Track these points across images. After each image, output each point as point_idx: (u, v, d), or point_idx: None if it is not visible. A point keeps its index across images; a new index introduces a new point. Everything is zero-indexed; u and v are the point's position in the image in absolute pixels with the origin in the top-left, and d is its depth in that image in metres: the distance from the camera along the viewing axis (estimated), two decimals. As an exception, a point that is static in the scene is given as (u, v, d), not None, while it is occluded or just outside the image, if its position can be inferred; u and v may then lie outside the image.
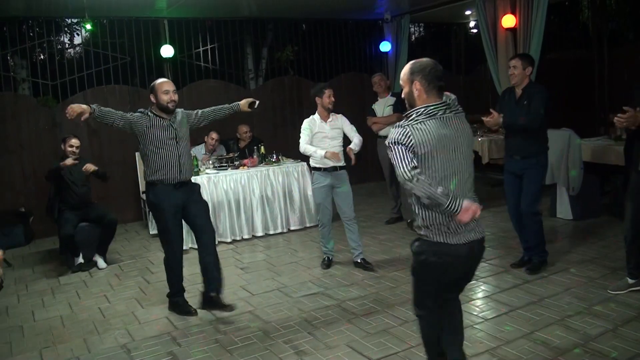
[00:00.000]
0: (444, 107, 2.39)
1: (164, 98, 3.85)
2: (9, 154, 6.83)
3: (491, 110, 4.33)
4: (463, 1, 7.41)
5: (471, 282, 4.31)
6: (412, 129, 2.32)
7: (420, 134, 2.30)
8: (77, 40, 8.98)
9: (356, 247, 4.99)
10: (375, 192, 8.42)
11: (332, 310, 4.04)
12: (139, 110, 3.96)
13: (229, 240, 6.15)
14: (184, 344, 3.64)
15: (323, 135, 4.84)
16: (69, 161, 5.27)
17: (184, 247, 4.16)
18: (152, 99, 3.92)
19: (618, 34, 9.77)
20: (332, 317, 3.91)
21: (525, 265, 4.61)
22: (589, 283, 4.22)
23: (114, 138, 7.12)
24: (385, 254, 5.33)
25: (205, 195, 5.50)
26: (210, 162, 6.48)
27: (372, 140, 6.42)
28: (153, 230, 6.41)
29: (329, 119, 4.89)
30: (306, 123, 4.91)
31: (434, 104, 2.38)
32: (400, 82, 2.51)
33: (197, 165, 6.11)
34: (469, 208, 2.28)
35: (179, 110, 4.02)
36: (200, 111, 4.19)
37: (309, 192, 6.43)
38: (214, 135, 6.78)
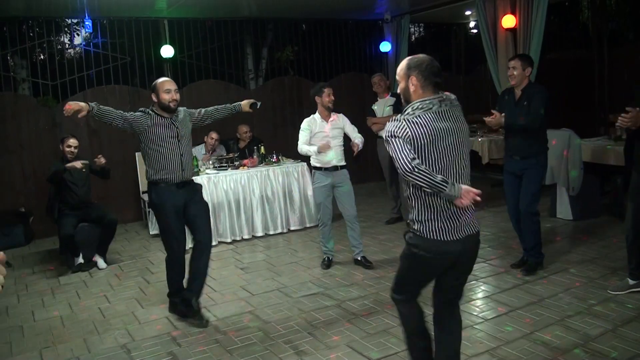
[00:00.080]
0: (439, 101, 2.41)
1: (166, 97, 3.83)
2: (9, 154, 6.83)
3: (492, 111, 4.34)
4: (463, 1, 7.42)
5: (471, 282, 4.35)
6: (407, 122, 2.34)
7: (416, 127, 2.32)
8: (77, 40, 8.99)
9: (357, 245, 5.02)
10: (375, 192, 8.42)
11: (332, 311, 4.04)
12: (140, 109, 3.93)
13: (229, 240, 6.15)
14: (184, 344, 3.64)
15: (324, 134, 4.84)
16: (79, 164, 5.22)
17: (186, 247, 4.15)
18: (154, 98, 3.89)
19: (618, 34, 9.77)
20: (332, 317, 3.91)
21: (524, 265, 4.61)
22: (588, 283, 4.22)
23: (114, 138, 7.12)
24: (385, 254, 5.33)
25: (205, 195, 5.49)
26: (210, 162, 6.48)
27: (372, 140, 6.43)
28: (153, 230, 6.41)
29: (330, 118, 4.90)
30: (305, 123, 4.92)
31: (429, 97, 2.40)
32: (397, 77, 2.52)
33: (197, 166, 6.12)
34: (469, 191, 2.33)
35: (181, 108, 4.00)
36: (202, 110, 4.18)
37: (309, 192, 6.43)
38: (213, 135, 6.79)
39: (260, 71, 9.36)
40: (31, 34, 7.64)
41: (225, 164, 6.38)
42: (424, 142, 2.32)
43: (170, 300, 4.19)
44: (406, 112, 2.40)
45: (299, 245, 5.96)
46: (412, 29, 11.29)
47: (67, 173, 5.34)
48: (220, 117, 4.24)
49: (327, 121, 4.89)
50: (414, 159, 2.30)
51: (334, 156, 4.87)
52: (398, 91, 2.56)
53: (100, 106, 3.79)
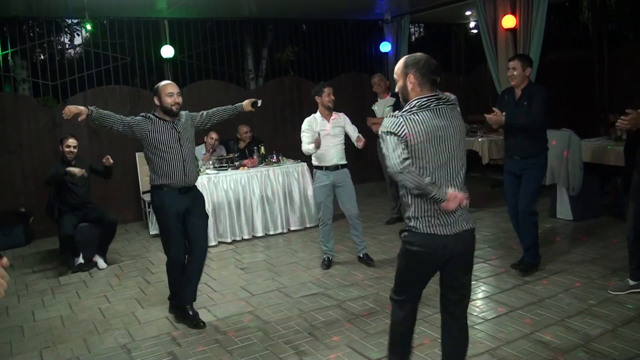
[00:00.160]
0: (436, 99, 2.42)
1: (168, 100, 3.80)
2: (9, 154, 6.84)
3: (494, 108, 4.33)
4: (463, 2, 7.42)
5: (471, 282, 4.34)
6: (405, 119, 2.35)
7: (413, 124, 2.34)
8: (78, 40, 9.00)
9: (359, 243, 5.05)
10: (375, 192, 8.42)
11: (332, 311, 4.04)
12: (141, 114, 3.89)
13: (229, 240, 6.15)
14: (184, 344, 3.64)
15: (325, 133, 4.85)
16: (78, 172, 5.23)
17: (185, 251, 4.15)
18: (156, 101, 3.85)
19: (618, 34, 9.77)
20: (332, 318, 3.91)
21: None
22: (589, 283, 4.21)
23: (114, 138, 7.11)
24: (385, 254, 5.33)
25: (206, 195, 5.50)
26: (211, 162, 6.48)
27: (372, 140, 6.41)
28: (153, 231, 6.41)
29: (331, 117, 4.91)
30: (306, 123, 4.92)
31: (426, 95, 2.41)
32: (395, 75, 2.54)
33: (197, 166, 6.10)
34: (455, 196, 2.34)
35: (182, 112, 3.97)
36: (204, 112, 4.15)
37: (309, 193, 6.43)
38: (213, 135, 6.79)
39: (260, 71, 9.36)
40: (31, 34, 7.64)
41: (226, 164, 6.38)
42: (421, 139, 2.33)
43: (171, 302, 4.18)
44: (404, 110, 2.42)
45: (299, 245, 5.96)
46: (412, 29, 11.30)
47: (67, 175, 5.34)
48: (222, 118, 4.21)
49: (328, 120, 4.90)
50: (405, 159, 2.32)
51: (335, 155, 4.88)
52: (396, 89, 2.57)
53: (100, 110, 3.77)
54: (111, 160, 5.47)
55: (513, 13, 6.41)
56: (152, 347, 3.61)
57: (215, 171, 6.22)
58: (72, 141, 5.49)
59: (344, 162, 4.94)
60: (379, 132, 2.43)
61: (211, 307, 4.27)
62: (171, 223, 3.89)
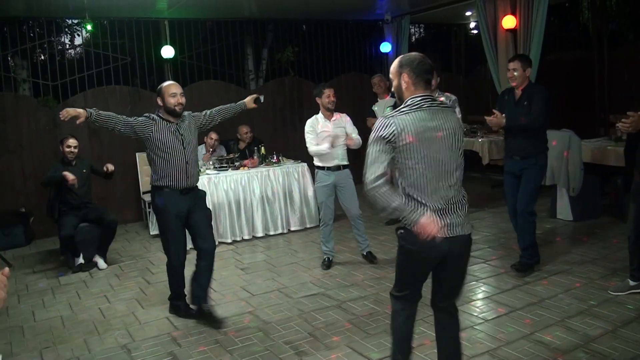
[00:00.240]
0: (430, 99, 2.42)
1: (171, 101, 3.79)
2: (9, 154, 6.83)
3: (494, 110, 4.34)
4: (463, 2, 7.42)
5: (471, 283, 4.35)
6: (395, 119, 2.36)
7: (404, 124, 2.34)
8: (78, 40, 9.00)
9: (362, 242, 5.10)
10: (375, 192, 8.40)
11: (332, 311, 4.04)
12: (144, 115, 3.88)
13: (229, 240, 6.15)
14: (184, 344, 3.64)
15: (327, 133, 4.85)
16: (72, 180, 5.15)
17: (186, 252, 4.14)
18: (159, 102, 3.84)
19: (618, 34, 9.77)
20: (332, 318, 3.91)
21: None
22: (589, 284, 4.21)
23: (114, 139, 7.10)
24: (386, 254, 5.33)
25: (206, 195, 5.49)
26: (211, 162, 6.48)
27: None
28: (153, 231, 6.41)
29: (333, 118, 4.91)
30: (309, 125, 4.93)
31: (420, 94, 2.42)
32: (390, 75, 2.55)
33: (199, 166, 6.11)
34: (427, 225, 2.31)
35: (186, 113, 3.96)
36: (207, 112, 4.13)
37: (310, 193, 6.44)
38: (213, 135, 6.78)
39: (260, 72, 9.36)
40: (31, 35, 7.64)
41: (226, 165, 6.38)
42: (410, 139, 2.33)
43: (171, 303, 4.19)
44: (396, 110, 2.43)
45: (299, 245, 5.96)
46: (413, 30, 11.29)
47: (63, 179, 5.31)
48: (227, 117, 4.20)
49: (330, 120, 4.90)
50: (381, 175, 2.32)
51: (337, 155, 4.88)
52: (392, 89, 2.58)
53: (100, 112, 3.73)
54: (111, 167, 5.48)
55: (513, 13, 6.41)
56: (152, 347, 3.62)
57: (216, 171, 6.22)
58: (72, 141, 5.49)
59: (345, 162, 4.95)
60: (371, 136, 2.42)
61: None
62: (171, 224, 3.88)
